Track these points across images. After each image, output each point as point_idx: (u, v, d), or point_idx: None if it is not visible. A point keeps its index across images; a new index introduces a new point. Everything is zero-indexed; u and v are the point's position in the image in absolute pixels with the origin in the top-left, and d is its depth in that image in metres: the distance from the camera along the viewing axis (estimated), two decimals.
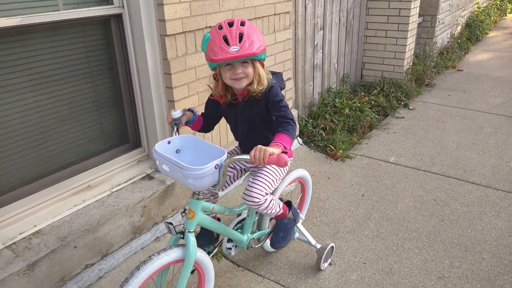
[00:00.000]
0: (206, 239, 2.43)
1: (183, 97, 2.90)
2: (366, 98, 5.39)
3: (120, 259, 2.63)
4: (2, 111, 2.33)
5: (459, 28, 8.88)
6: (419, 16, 7.00)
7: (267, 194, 2.23)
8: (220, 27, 1.97)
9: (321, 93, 5.16)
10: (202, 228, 2.40)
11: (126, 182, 2.87)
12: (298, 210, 2.79)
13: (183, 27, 2.78)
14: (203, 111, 2.36)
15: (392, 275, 2.70)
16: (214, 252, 2.46)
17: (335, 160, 4.17)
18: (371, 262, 2.82)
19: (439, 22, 7.24)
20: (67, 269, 2.39)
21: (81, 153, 2.75)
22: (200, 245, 2.35)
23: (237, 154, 2.38)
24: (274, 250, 2.50)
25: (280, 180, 2.36)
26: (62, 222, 2.49)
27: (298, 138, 4.39)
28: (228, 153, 1.96)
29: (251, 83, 2.08)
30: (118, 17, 2.70)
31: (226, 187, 2.53)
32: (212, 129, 2.41)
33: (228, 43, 1.92)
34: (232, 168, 2.42)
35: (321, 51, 4.93)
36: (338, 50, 5.38)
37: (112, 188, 2.79)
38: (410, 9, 5.58)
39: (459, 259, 2.84)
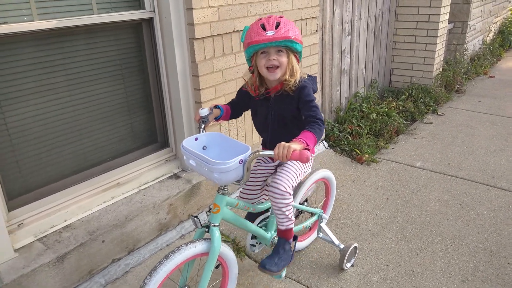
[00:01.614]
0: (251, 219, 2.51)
1: (210, 99, 2.98)
2: (394, 104, 5.37)
3: (146, 255, 2.72)
4: (40, 109, 2.46)
5: (491, 34, 8.73)
6: (450, 22, 6.94)
7: (291, 186, 2.22)
8: (260, 19, 2.07)
9: (348, 98, 5.17)
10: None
11: (153, 180, 2.97)
12: (322, 212, 2.82)
13: (211, 31, 2.86)
14: (233, 99, 2.42)
15: (414, 278, 2.69)
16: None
17: (361, 164, 4.17)
18: (393, 265, 2.81)
19: (470, 28, 7.15)
20: (95, 262, 2.49)
21: (112, 152, 2.87)
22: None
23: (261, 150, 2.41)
24: (263, 271, 2.27)
25: (303, 175, 2.37)
26: (91, 217, 2.59)
27: (324, 142, 4.42)
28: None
29: (284, 74, 2.12)
30: (149, 21, 2.81)
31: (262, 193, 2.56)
32: (241, 115, 2.46)
33: (264, 29, 2.01)
34: (262, 175, 2.46)
35: (348, 56, 4.95)
36: (366, 56, 5.38)
37: (140, 186, 2.89)
38: (439, 14, 5.54)
39: (484, 263, 2.80)
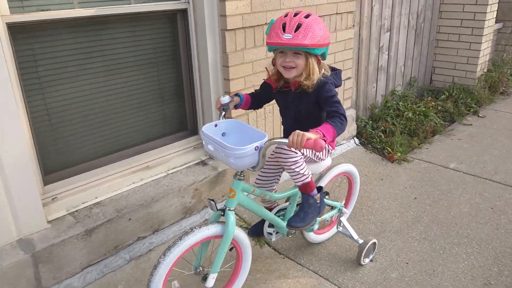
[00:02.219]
0: (260, 228, 2.57)
1: (239, 90, 3.06)
2: (433, 103, 5.26)
3: (170, 235, 2.84)
4: (76, 92, 2.62)
5: None
6: (499, 21, 6.70)
7: (299, 154, 2.22)
8: (286, 15, 2.07)
9: (384, 95, 5.12)
10: (260, 220, 2.57)
11: (181, 166, 3.09)
12: (342, 206, 2.84)
13: (243, 23, 2.94)
14: (256, 90, 2.48)
15: (434, 277, 2.67)
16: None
17: (391, 162, 4.14)
18: (414, 263, 2.80)
19: None
20: (121, 238, 2.63)
21: (143, 136, 3.00)
22: (255, 234, 2.55)
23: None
24: (292, 229, 2.37)
25: (317, 157, 2.39)
26: (120, 196, 2.74)
27: (355, 138, 4.41)
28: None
29: (300, 75, 2.14)
30: (184, 12, 2.92)
31: (279, 180, 2.60)
32: (261, 107, 2.51)
33: (284, 30, 2.01)
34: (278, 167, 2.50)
35: (386, 53, 4.90)
36: (405, 53, 5.30)
37: (168, 170, 3.02)
38: (485, 13, 5.37)
39: (509, 268, 2.74)
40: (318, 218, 2.52)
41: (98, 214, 2.58)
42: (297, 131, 1.85)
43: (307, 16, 2.03)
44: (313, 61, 2.10)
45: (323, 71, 2.20)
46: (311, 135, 1.84)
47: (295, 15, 2.04)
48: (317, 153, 2.38)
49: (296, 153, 2.20)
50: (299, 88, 2.21)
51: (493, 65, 6.36)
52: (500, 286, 2.60)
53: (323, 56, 2.16)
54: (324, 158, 2.45)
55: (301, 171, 2.25)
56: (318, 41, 2.03)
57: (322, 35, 2.04)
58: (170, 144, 3.08)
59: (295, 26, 2.00)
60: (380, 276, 2.69)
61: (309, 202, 2.36)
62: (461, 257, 2.85)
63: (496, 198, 3.53)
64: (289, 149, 2.16)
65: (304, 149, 2.26)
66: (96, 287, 2.51)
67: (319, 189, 2.44)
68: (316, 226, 2.57)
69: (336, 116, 2.03)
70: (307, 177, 2.30)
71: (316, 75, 2.13)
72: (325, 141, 1.87)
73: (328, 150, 2.45)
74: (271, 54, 2.18)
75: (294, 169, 2.23)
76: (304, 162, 2.28)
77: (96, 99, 2.72)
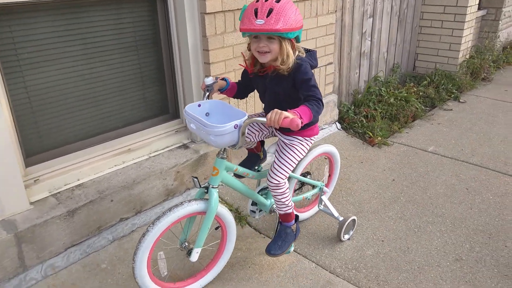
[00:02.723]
0: (253, 160, 2.70)
1: (220, 73, 3.11)
2: (415, 89, 5.34)
3: (152, 217, 2.90)
4: (58, 75, 2.65)
5: None
6: (483, 8, 6.79)
7: (286, 178, 2.39)
8: (257, 0, 2.08)
9: (367, 81, 5.19)
10: (248, 153, 2.70)
11: (163, 149, 3.14)
12: (323, 185, 2.93)
13: (223, 6, 2.98)
14: (239, 79, 2.53)
15: (408, 254, 2.77)
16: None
17: (372, 146, 4.22)
18: (389, 241, 2.89)
19: (505, 15, 6.96)
20: (103, 219, 2.69)
21: (125, 119, 3.05)
22: (248, 167, 2.63)
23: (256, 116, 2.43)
24: (270, 256, 2.50)
25: (302, 157, 2.48)
26: (102, 178, 2.79)
27: (337, 123, 4.48)
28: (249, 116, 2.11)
29: (275, 60, 2.17)
30: None
31: (257, 139, 2.63)
32: (247, 97, 2.56)
33: (256, 16, 2.02)
34: (265, 127, 2.56)
35: (369, 39, 4.96)
36: (388, 39, 5.37)
37: (150, 153, 3.07)
38: None
39: (481, 244, 2.85)
40: (292, 244, 2.65)
41: (80, 195, 2.63)
42: (275, 109, 1.90)
43: (278, 1, 2.04)
44: (287, 45, 2.12)
45: (297, 53, 2.23)
46: (288, 114, 1.90)
47: (266, 1, 2.05)
48: (301, 155, 2.46)
49: (285, 183, 2.38)
50: (275, 72, 2.24)
51: (476, 52, 6.46)
52: (471, 261, 2.70)
53: (297, 39, 2.19)
54: (304, 154, 2.50)
55: (286, 202, 2.43)
56: (291, 25, 2.04)
57: (294, 18, 2.05)
58: (152, 127, 3.13)
59: (267, 11, 2.00)
60: (356, 253, 2.78)
61: (287, 232, 2.53)
62: (435, 235, 2.95)
63: (471, 180, 3.63)
64: (279, 183, 2.34)
65: (291, 164, 2.40)
66: (80, 266, 2.57)
67: (296, 218, 2.59)
68: (291, 249, 2.68)
69: (314, 100, 2.08)
70: (289, 208, 2.47)
71: (291, 59, 2.15)
72: (302, 122, 1.93)
73: (310, 143, 2.51)
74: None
75: (280, 199, 2.41)
76: (289, 193, 2.45)
77: (77, 82, 2.75)
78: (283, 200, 2.42)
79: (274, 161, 2.42)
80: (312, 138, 2.48)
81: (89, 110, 2.85)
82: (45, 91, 2.62)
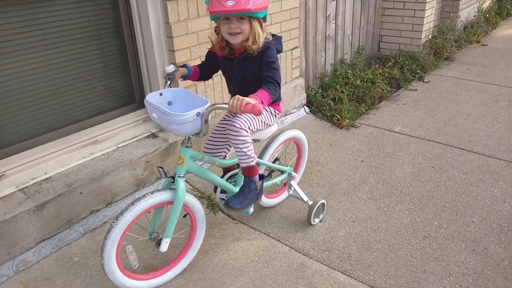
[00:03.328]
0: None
1: (185, 60, 3.08)
2: (380, 71, 5.43)
3: (124, 208, 2.86)
4: (17, 68, 2.57)
5: (488, 2, 8.66)
6: None
7: (249, 128, 2.27)
8: None
9: (333, 64, 5.23)
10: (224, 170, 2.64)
11: (131, 139, 3.10)
12: (292, 170, 2.95)
13: None
14: (202, 61, 2.52)
15: (379, 233, 2.84)
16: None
17: (340, 129, 4.28)
18: (360, 221, 2.95)
19: None
20: (74, 212, 2.65)
21: (90, 110, 2.99)
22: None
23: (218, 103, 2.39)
24: (228, 209, 2.40)
25: (265, 125, 2.45)
26: (70, 171, 2.74)
27: (305, 107, 4.52)
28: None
29: (246, 40, 2.20)
30: None
31: (230, 149, 2.67)
32: (211, 78, 2.56)
33: None
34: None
35: (334, 22, 4.99)
36: (353, 22, 5.41)
37: (118, 144, 3.03)
38: None
39: (448, 221, 2.94)
40: (252, 205, 2.54)
41: (48, 189, 2.57)
42: (237, 96, 1.93)
43: None
44: (257, 25, 2.18)
45: (265, 34, 2.27)
46: (250, 100, 1.92)
47: None
48: (265, 120, 2.44)
49: (246, 131, 2.24)
50: (244, 53, 2.28)
51: (438, 32, 6.59)
52: (439, 237, 2.79)
53: (264, 18, 2.24)
54: (271, 124, 2.52)
55: (248, 152, 2.29)
56: (260, 4, 2.10)
57: None
58: (118, 117, 3.08)
59: None
60: (328, 235, 2.83)
61: (250, 187, 2.41)
62: (403, 213, 3.03)
63: (437, 158, 3.73)
64: (240, 127, 2.21)
65: (255, 123, 2.34)
66: (52, 260, 2.53)
67: (261, 177, 2.49)
68: (251, 210, 2.62)
69: (271, 82, 2.13)
70: (253, 160, 2.33)
71: (262, 38, 2.22)
72: (263, 107, 1.96)
73: (275, 115, 2.53)
74: (214, 24, 2.23)
75: (242, 148, 2.26)
76: (251, 144, 2.31)
77: (39, 74, 2.67)
78: (244, 149, 2.27)
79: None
80: (276, 112, 2.51)
81: (52, 102, 2.78)
82: (6, 84, 2.54)
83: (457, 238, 2.78)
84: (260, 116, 2.39)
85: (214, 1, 2.08)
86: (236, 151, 2.30)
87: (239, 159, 2.36)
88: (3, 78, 2.52)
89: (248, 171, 2.38)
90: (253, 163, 2.36)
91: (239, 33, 2.17)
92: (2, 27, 2.45)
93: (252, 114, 2.33)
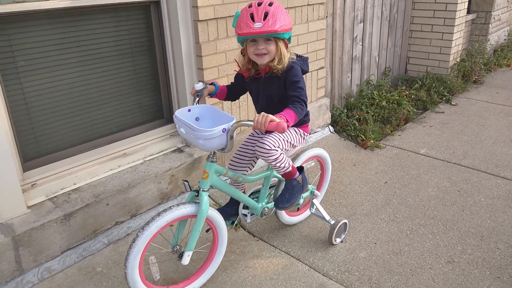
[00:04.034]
0: (232, 208, 2.69)
1: (213, 79, 3.16)
2: (407, 92, 5.42)
3: (149, 218, 2.92)
4: (54, 82, 2.69)
5: None
6: (473, 12, 6.88)
7: (278, 147, 2.35)
8: (250, 6, 2.19)
9: (359, 85, 5.25)
10: (230, 199, 2.70)
11: (158, 153, 3.18)
12: (314, 189, 2.97)
13: (215, 14, 3.03)
14: (232, 82, 2.59)
15: (400, 256, 2.81)
16: (236, 221, 2.73)
17: (365, 149, 4.28)
18: (382, 243, 2.93)
19: (494, 19, 7.05)
20: (99, 223, 2.72)
21: (120, 124, 3.09)
22: (225, 214, 2.63)
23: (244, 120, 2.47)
24: (280, 210, 2.61)
25: (293, 143, 2.51)
26: (98, 182, 2.83)
27: (330, 126, 4.54)
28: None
29: (272, 60, 2.27)
30: (157, 3, 3.00)
31: (253, 167, 2.71)
32: (238, 99, 2.64)
33: (253, 20, 2.14)
34: (251, 159, 2.63)
35: (360, 44, 5.03)
36: (380, 43, 5.43)
37: (145, 157, 3.11)
38: (457, 3, 5.53)
39: (473, 246, 2.89)
40: (302, 195, 2.72)
41: (76, 199, 2.66)
42: (262, 113, 1.98)
43: (270, 4, 2.16)
44: (282, 45, 2.25)
45: (289, 54, 2.33)
46: (274, 117, 1.97)
47: (259, 4, 2.17)
48: (293, 141, 2.50)
49: (276, 150, 2.34)
50: (269, 73, 2.34)
51: (467, 55, 6.54)
52: (463, 263, 2.74)
53: (289, 39, 2.30)
54: (298, 145, 2.57)
55: (282, 165, 2.41)
56: (286, 26, 2.18)
57: (287, 20, 2.20)
58: (147, 132, 3.17)
59: (263, 15, 2.13)
60: (349, 256, 2.81)
61: (293, 184, 2.58)
62: (427, 237, 2.99)
63: (463, 182, 3.68)
64: (270, 148, 2.31)
65: (283, 143, 2.41)
66: (76, 269, 2.60)
67: (300, 169, 2.64)
68: (301, 201, 2.76)
69: (297, 102, 2.18)
70: (289, 167, 2.47)
71: (287, 58, 2.28)
72: (288, 125, 2.01)
73: (303, 137, 2.58)
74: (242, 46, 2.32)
75: (275, 164, 2.39)
76: (283, 154, 2.42)
77: (73, 88, 2.79)
78: (278, 164, 2.39)
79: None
80: (304, 132, 2.56)
81: (85, 115, 2.89)
82: (42, 97, 2.66)
83: (482, 265, 2.73)
84: (288, 137, 2.45)
85: (242, 24, 2.17)
86: (272, 167, 2.44)
87: (276, 171, 2.51)
88: (40, 92, 2.64)
89: (288, 175, 2.54)
90: (290, 168, 2.48)
91: (266, 53, 2.24)
92: (42, 44, 2.59)
93: (280, 134, 2.42)
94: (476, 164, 3.97)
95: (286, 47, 2.30)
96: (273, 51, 2.24)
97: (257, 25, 2.12)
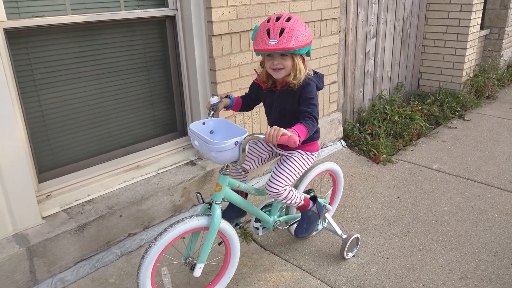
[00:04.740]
0: (235, 211, 2.69)
1: (227, 93, 3.19)
2: (419, 107, 5.41)
3: (162, 229, 2.94)
4: (70, 94, 2.75)
5: None
6: (486, 28, 6.88)
7: (286, 185, 2.43)
8: (268, 20, 2.20)
9: (371, 99, 5.26)
10: (230, 203, 2.68)
11: (171, 165, 3.21)
12: (327, 203, 2.96)
13: (229, 29, 3.08)
14: (246, 92, 2.62)
15: (413, 271, 2.79)
16: (241, 224, 2.77)
17: (377, 163, 4.27)
18: (394, 258, 2.92)
19: (508, 34, 7.04)
20: (112, 235, 2.75)
21: (134, 137, 3.13)
22: (228, 217, 2.63)
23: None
24: (299, 238, 2.73)
25: (303, 171, 2.54)
26: (111, 194, 2.86)
27: (342, 140, 4.54)
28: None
29: (288, 75, 2.29)
30: (172, 18, 3.06)
31: (257, 166, 2.70)
32: (252, 109, 2.66)
33: (269, 36, 2.14)
34: (263, 150, 2.64)
35: (373, 59, 5.05)
36: (392, 59, 5.45)
37: (158, 170, 3.14)
38: (470, 19, 5.53)
39: (486, 262, 2.86)
40: (319, 221, 2.78)
41: (90, 210, 2.69)
42: (274, 126, 2.00)
43: (288, 20, 2.16)
44: (299, 61, 2.26)
45: (307, 70, 2.34)
46: (286, 131, 1.99)
47: (277, 19, 2.17)
48: (303, 167, 2.52)
49: (285, 189, 2.42)
50: (285, 86, 2.35)
51: (480, 70, 6.53)
52: (476, 279, 2.71)
53: (308, 53, 2.30)
54: (305, 168, 2.56)
55: (293, 201, 2.52)
56: (302, 42, 2.17)
57: (304, 35, 2.18)
58: (160, 144, 3.21)
59: (279, 31, 2.13)
60: (361, 271, 2.80)
61: (308, 215, 2.69)
62: (439, 252, 2.97)
63: (476, 197, 3.65)
64: (278, 191, 2.39)
65: (292, 176, 2.46)
66: (89, 280, 2.62)
67: (314, 199, 2.72)
68: (320, 227, 2.83)
69: (309, 118, 2.19)
70: (300, 202, 2.57)
71: (303, 73, 2.29)
72: (299, 140, 2.03)
73: (311, 159, 2.57)
74: (257, 58, 2.36)
75: (286, 202, 2.50)
76: (292, 191, 2.50)
77: (89, 101, 2.84)
78: (288, 202, 2.51)
79: (273, 170, 2.48)
80: (313, 153, 2.55)
81: (99, 128, 2.94)
82: (58, 110, 2.72)
83: (495, 281, 2.70)
84: (297, 166, 2.48)
85: (258, 39, 2.19)
86: (282, 202, 2.56)
87: (288, 206, 2.62)
88: (56, 104, 2.70)
89: (301, 208, 2.66)
90: (302, 202, 2.58)
91: (282, 68, 2.25)
92: (59, 57, 2.65)
93: (294, 163, 2.46)
94: (490, 179, 3.93)
95: (303, 61, 2.31)
96: (289, 66, 2.25)
97: (272, 41, 2.13)
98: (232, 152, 2.07)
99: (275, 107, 2.45)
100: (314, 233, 2.86)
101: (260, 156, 2.63)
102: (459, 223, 3.30)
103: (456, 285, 2.66)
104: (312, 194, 2.84)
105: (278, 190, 2.39)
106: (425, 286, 2.66)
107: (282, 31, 2.13)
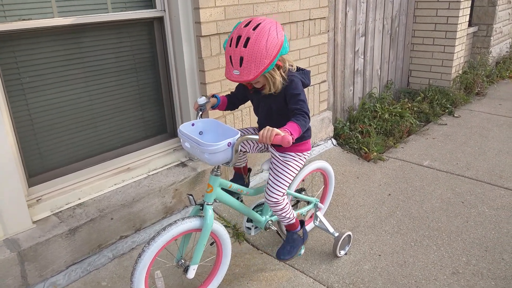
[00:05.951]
0: (237, 182, 2.70)
1: (216, 93, 3.18)
2: (409, 105, 5.44)
3: (152, 234, 2.94)
4: (59, 98, 2.73)
5: None
6: (474, 25, 6.93)
7: (284, 191, 2.45)
8: (231, 39, 2.12)
9: (361, 98, 5.28)
10: (234, 176, 2.77)
11: (162, 167, 3.21)
12: (318, 201, 2.97)
13: (218, 29, 3.07)
14: (232, 91, 2.60)
15: (405, 268, 2.80)
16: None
17: (367, 161, 4.29)
18: (386, 255, 2.93)
19: (496, 31, 7.10)
20: (104, 237, 2.73)
21: (124, 139, 3.12)
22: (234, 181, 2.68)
23: (250, 134, 2.42)
24: (280, 261, 2.72)
25: (297, 172, 2.54)
26: (102, 197, 2.85)
27: (332, 139, 4.55)
28: (242, 131, 2.17)
29: (267, 87, 2.26)
30: (160, 20, 3.05)
31: (254, 152, 2.69)
32: (237, 108, 2.65)
33: (232, 64, 2.10)
34: (255, 142, 2.63)
35: (362, 57, 5.07)
36: (381, 57, 5.48)
37: (149, 172, 3.14)
38: (458, 17, 5.58)
39: (477, 257, 2.88)
40: (302, 246, 2.77)
41: (81, 214, 2.68)
42: (267, 127, 1.98)
43: (255, 28, 2.07)
44: (272, 73, 2.19)
45: (287, 65, 2.27)
46: (279, 131, 1.98)
47: (246, 24, 2.11)
48: (296, 169, 2.52)
49: (283, 199, 2.45)
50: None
51: (469, 67, 6.58)
52: (467, 274, 2.73)
53: (284, 50, 2.16)
54: (298, 170, 2.56)
55: (287, 215, 2.55)
56: (264, 63, 2.06)
57: (268, 49, 2.05)
58: (150, 146, 3.20)
59: (239, 60, 2.05)
60: (354, 268, 2.81)
61: (294, 238, 2.68)
62: (431, 248, 2.99)
63: (467, 193, 3.68)
64: (277, 201, 2.42)
65: (286, 180, 2.46)
66: (81, 284, 2.60)
67: (302, 223, 2.74)
68: (302, 251, 2.78)
69: (300, 114, 2.16)
70: (292, 219, 2.61)
71: (279, 82, 2.22)
72: (292, 138, 2.02)
73: (303, 158, 2.57)
74: None
75: (281, 214, 2.52)
76: (289, 205, 2.53)
77: (78, 104, 2.83)
78: (283, 214, 2.52)
79: (269, 178, 2.48)
80: (304, 153, 2.54)
81: (89, 130, 2.92)
82: (47, 113, 2.70)
83: (487, 275, 2.72)
84: (291, 170, 2.48)
85: (226, 67, 2.16)
86: (277, 215, 2.57)
87: (280, 219, 2.60)
88: (45, 107, 2.68)
89: (291, 227, 2.67)
90: (293, 220, 2.61)
91: (257, 82, 2.24)
92: (47, 60, 2.63)
93: (286, 167, 2.47)
94: (480, 175, 3.96)
95: (279, 69, 2.23)
96: (262, 81, 2.23)
97: (235, 72, 2.09)
98: (225, 153, 2.07)
99: (262, 106, 2.45)
100: (296, 257, 2.82)
101: (257, 144, 2.64)
102: (450, 219, 3.32)
103: (448, 281, 2.68)
104: (302, 218, 2.87)
105: (278, 199, 2.42)
106: (417, 282, 2.67)
107: (241, 60, 2.05)
